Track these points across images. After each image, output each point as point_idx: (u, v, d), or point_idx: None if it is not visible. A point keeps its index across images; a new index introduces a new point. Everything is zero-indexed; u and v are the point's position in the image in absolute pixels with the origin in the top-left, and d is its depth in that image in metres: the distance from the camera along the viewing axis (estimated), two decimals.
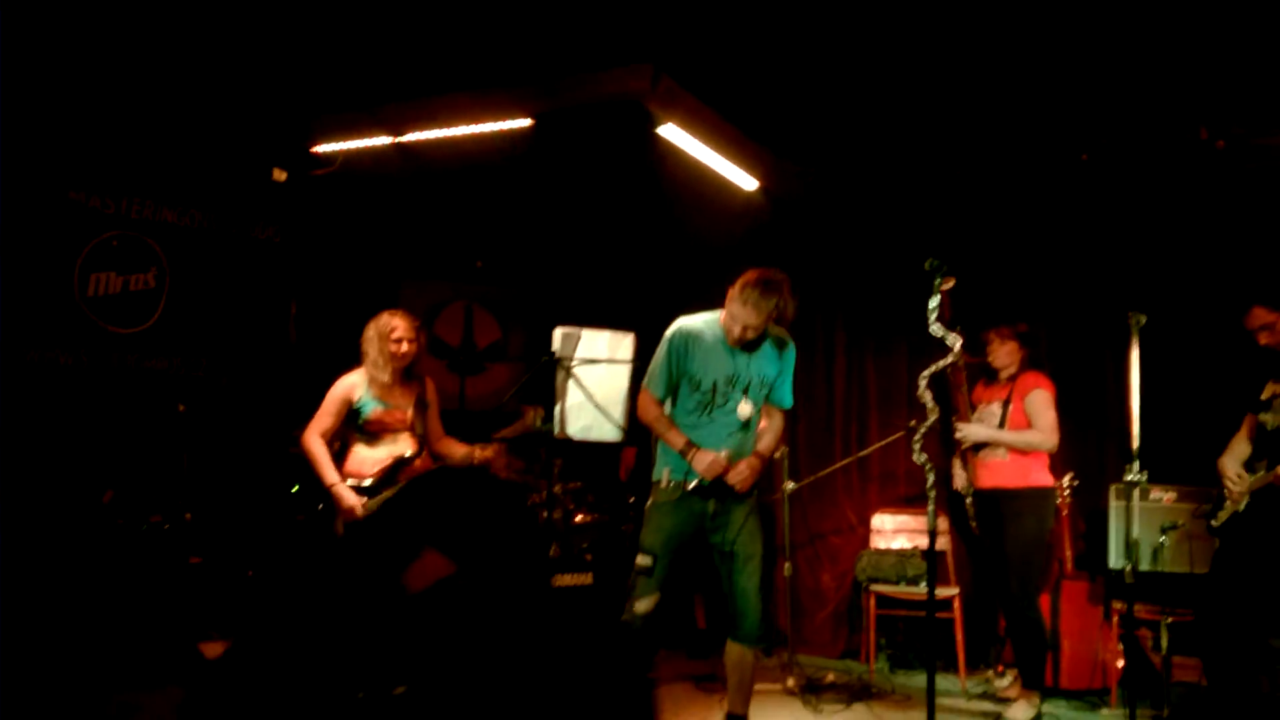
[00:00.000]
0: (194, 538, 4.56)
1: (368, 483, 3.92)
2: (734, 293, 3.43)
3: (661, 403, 3.56)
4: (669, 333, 3.56)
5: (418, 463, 4.04)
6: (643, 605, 3.29)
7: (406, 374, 4.08)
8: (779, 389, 3.67)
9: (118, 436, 4.88)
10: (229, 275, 5.52)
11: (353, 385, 4.01)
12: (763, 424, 3.68)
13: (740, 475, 3.42)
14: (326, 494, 3.92)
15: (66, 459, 4.65)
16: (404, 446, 4.02)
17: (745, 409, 3.49)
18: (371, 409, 3.99)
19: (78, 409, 4.87)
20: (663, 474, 3.50)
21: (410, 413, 4.05)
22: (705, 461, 3.37)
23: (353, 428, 4.02)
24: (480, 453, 3.97)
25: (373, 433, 4.01)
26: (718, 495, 3.45)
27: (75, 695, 3.00)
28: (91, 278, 5.08)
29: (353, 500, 3.87)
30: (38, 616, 3.74)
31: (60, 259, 4.96)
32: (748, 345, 3.53)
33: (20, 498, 4.28)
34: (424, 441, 4.08)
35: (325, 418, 3.98)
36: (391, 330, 4.03)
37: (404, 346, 4.02)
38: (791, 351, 3.70)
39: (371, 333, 4.05)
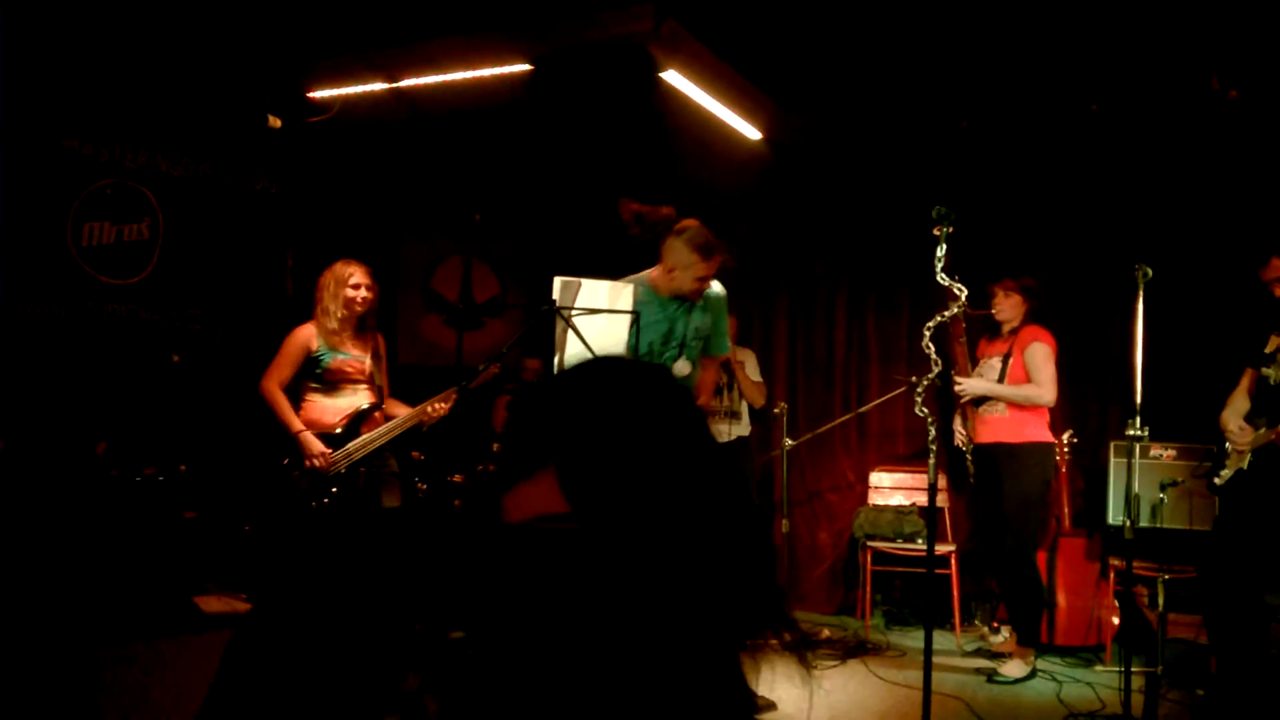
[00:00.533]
0: (188, 491, 4.55)
1: (339, 431, 3.96)
2: (682, 247, 3.32)
3: None
4: None
5: (377, 414, 4.08)
6: None
7: (361, 325, 4.08)
8: (714, 340, 3.60)
9: (111, 388, 4.85)
10: (224, 226, 5.45)
11: (311, 335, 4.01)
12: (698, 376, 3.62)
13: None
14: (291, 440, 3.94)
15: (60, 410, 4.62)
16: (363, 398, 4.05)
17: (682, 367, 3.43)
18: (332, 358, 3.99)
19: (71, 361, 4.83)
20: None
21: (369, 363, 4.07)
22: None
23: (309, 378, 4.01)
24: (438, 406, 3.97)
25: (332, 382, 4.01)
26: None
27: (68, 646, 3.00)
28: (85, 227, 5.00)
29: (320, 447, 3.90)
30: (32, 567, 3.73)
31: (54, 208, 4.88)
32: (681, 301, 3.44)
33: (15, 450, 4.26)
34: (381, 393, 4.10)
35: (284, 367, 3.97)
36: (350, 276, 4.01)
37: (362, 292, 4.01)
38: (723, 297, 3.61)
39: (329, 280, 4.03)
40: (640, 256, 3.63)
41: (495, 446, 5.40)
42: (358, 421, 4.01)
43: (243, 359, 5.31)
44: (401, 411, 4.07)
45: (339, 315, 3.99)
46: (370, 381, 4.08)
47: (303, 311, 4.16)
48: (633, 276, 3.51)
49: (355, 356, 4.04)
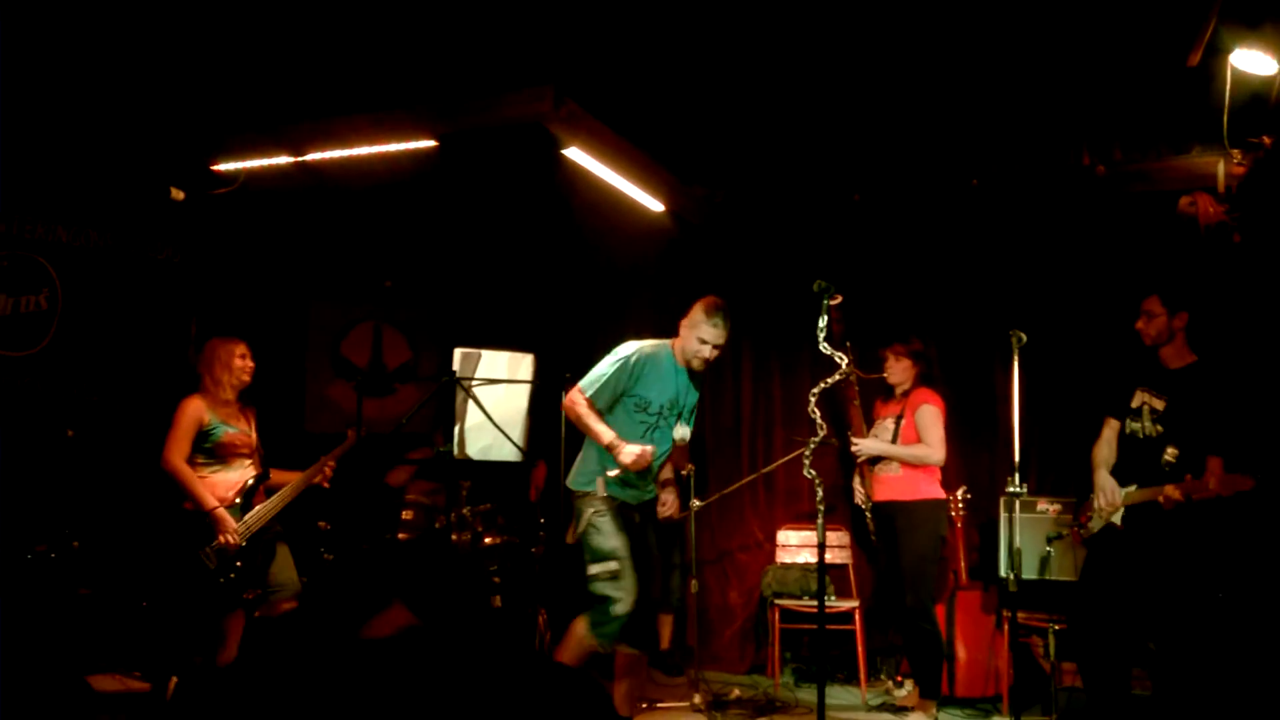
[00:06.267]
0: (83, 567, 4.45)
1: (237, 503, 4.00)
2: (699, 317, 3.60)
3: (594, 410, 3.62)
4: (629, 353, 3.65)
5: (261, 487, 4.13)
6: None
7: (243, 398, 4.17)
8: (690, 417, 3.85)
9: (4, 463, 4.71)
10: (126, 296, 5.38)
11: (201, 408, 4.04)
12: None
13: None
14: (204, 518, 3.90)
15: None
16: (250, 470, 4.11)
17: (683, 431, 3.69)
18: (223, 432, 4.04)
19: None
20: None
21: (255, 436, 4.14)
22: (632, 454, 3.48)
23: (199, 452, 4.02)
24: (326, 472, 4.05)
25: (222, 456, 4.05)
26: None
27: None
28: None
29: (235, 524, 3.92)
30: None
31: None
32: (691, 373, 3.71)
33: None
34: (266, 464, 4.15)
35: (183, 441, 3.97)
36: (237, 350, 4.11)
37: (249, 362, 4.12)
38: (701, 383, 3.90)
39: (219, 352, 4.10)
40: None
41: (406, 515, 5.37)
42: (249, 495, 4.04)
43: (144, 431, 5.22)
44: (287, 478, 4.13)
45: (231, 385, 4.07)
46: (256, 454, 4.14)
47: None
48: (658, 341, 3.73)
49: (242, 430, 4.11)
